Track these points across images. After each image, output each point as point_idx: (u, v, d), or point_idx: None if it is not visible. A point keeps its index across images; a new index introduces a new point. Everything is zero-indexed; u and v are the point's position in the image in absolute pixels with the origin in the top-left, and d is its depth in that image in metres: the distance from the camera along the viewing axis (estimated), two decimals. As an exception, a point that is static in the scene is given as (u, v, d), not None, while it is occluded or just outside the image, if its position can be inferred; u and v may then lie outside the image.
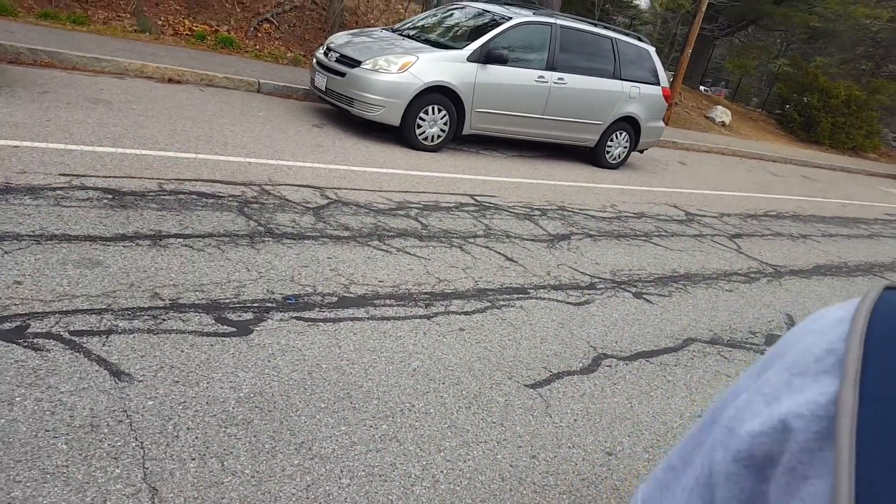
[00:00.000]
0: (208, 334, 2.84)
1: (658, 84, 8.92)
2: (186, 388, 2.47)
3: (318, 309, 3.28)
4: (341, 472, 2.27)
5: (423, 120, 7.01)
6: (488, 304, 3.83)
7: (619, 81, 8.47)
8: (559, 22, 7.94)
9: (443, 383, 2.95)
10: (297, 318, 3.15)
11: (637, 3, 23.92)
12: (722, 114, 17.55)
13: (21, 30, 7.36)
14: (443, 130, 7.18)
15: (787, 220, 8.60)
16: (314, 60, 7.49)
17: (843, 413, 0.33)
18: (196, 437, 2.25)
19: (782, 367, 0.40)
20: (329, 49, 7.36)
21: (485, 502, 2.33)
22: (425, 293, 3.75)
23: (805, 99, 20.78)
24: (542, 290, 4.22)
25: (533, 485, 2.49)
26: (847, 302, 0.41)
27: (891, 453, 0.31)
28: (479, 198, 5.87)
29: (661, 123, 9.31)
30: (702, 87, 21.88)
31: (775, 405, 0.38)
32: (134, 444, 2.15)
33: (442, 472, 2.41)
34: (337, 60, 7.08)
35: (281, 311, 3.17)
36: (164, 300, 3.00)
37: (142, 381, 2.45)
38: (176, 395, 2.42)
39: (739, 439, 0.40)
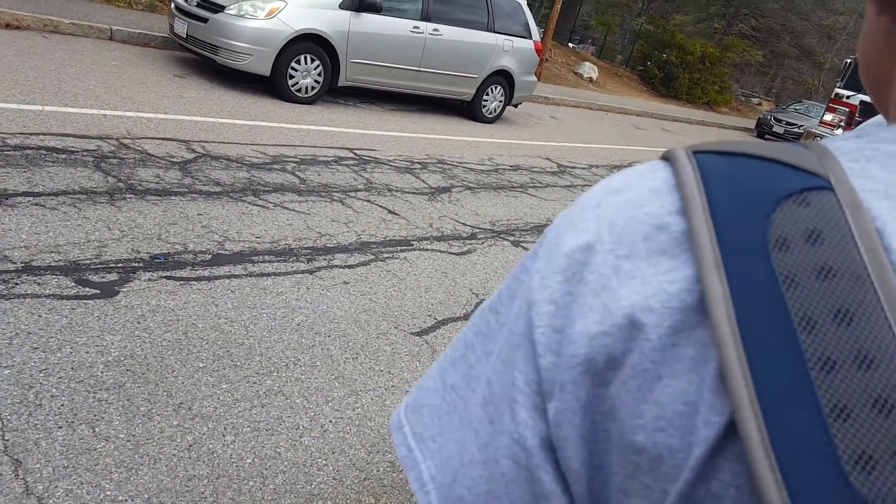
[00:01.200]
0: (69, 297, 2.63)
1: (530, 38, 9.09)
2: (48, 355, 2.28)
3: (190, 267, 3.12)
4: (225, 429, 2.21)
5: (296, 70, 6.73)
6: (372, 256, 3.82)
7: (493, 34, 8.54)
8: (433, -28, 7.84)
9: (328, 336, 2.92)
10: (168, 278, 2.98)
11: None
12: (590, 70, 18.24)
13: None
14: (317, 82, 6.95)
15: (649, 169, 9.16)
16: (172, 5, 6.94)
17: (715, 302, 0.29)
18: (62, 405, 2.09)
19: (601, 248, 0.35)
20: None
21: (374, 446, 2.36)
22: (306, 248, 3.67)
23: (664, 56, 22.02)
24: (424, 242, 4.25)
25: (421, 426, 2.55)
26: (642, 168, 0.37)
27: (775, 343, 0.28)
28: (358, 151, 5.78)
29: (534, 78, 9.53)
30: (570, 44, 22.59)
31: (609, 296, 0.33)
32: (-12, 418, 1.97)
33: (330, 421, 2.41)
34: (198, 5, 6.60)
35: (149, 271, 2.99)
36: (14, 263, 2.73)
37: (-7, 350, 2.24)
38: (36, 363, 2.23)
39: (573, 342, 0.34)
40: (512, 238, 4.80)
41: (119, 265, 2.96)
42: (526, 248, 4.69)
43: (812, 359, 0.27)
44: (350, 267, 3.61)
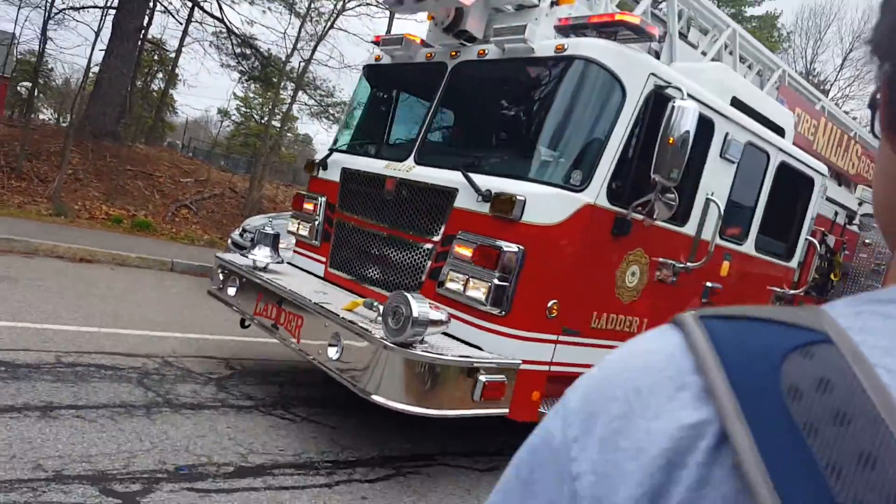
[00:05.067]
0: (90, 507, 2.70)
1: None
2: (58, 564, 2.31)
3: (211, 479, 3.19)
4: None
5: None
6: (393, 471, 3.80)
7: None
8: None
9: (340, 551, 2.86)
10: (189, 489, 3.04)
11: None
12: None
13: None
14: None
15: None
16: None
17: (742, 450, 0.31)
18: None
19: (632, 415, 0.38)
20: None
21: None
22: (328, 461, 3.70)
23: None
24: (448, 457, 4.22)
25: None
26: (654, 335, 0.40)
27: (807, 488, 0.29)
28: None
29: None
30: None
31: (646, 458, 0.36)
32: None
33: None
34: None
35: (172, 482, 3.06)
36: (46, 472, 2.86)
37: (8, 557, 2.28)
38: (45, 571, 2.26)
39: None
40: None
41: (144, 476, 3.05)
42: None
43: None
44: (370, 482, 3.59)
